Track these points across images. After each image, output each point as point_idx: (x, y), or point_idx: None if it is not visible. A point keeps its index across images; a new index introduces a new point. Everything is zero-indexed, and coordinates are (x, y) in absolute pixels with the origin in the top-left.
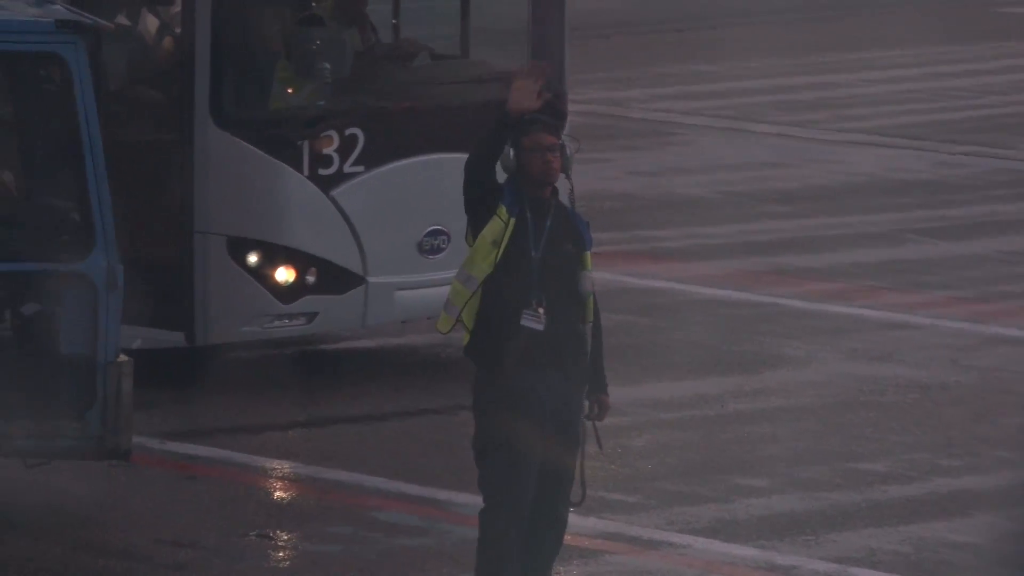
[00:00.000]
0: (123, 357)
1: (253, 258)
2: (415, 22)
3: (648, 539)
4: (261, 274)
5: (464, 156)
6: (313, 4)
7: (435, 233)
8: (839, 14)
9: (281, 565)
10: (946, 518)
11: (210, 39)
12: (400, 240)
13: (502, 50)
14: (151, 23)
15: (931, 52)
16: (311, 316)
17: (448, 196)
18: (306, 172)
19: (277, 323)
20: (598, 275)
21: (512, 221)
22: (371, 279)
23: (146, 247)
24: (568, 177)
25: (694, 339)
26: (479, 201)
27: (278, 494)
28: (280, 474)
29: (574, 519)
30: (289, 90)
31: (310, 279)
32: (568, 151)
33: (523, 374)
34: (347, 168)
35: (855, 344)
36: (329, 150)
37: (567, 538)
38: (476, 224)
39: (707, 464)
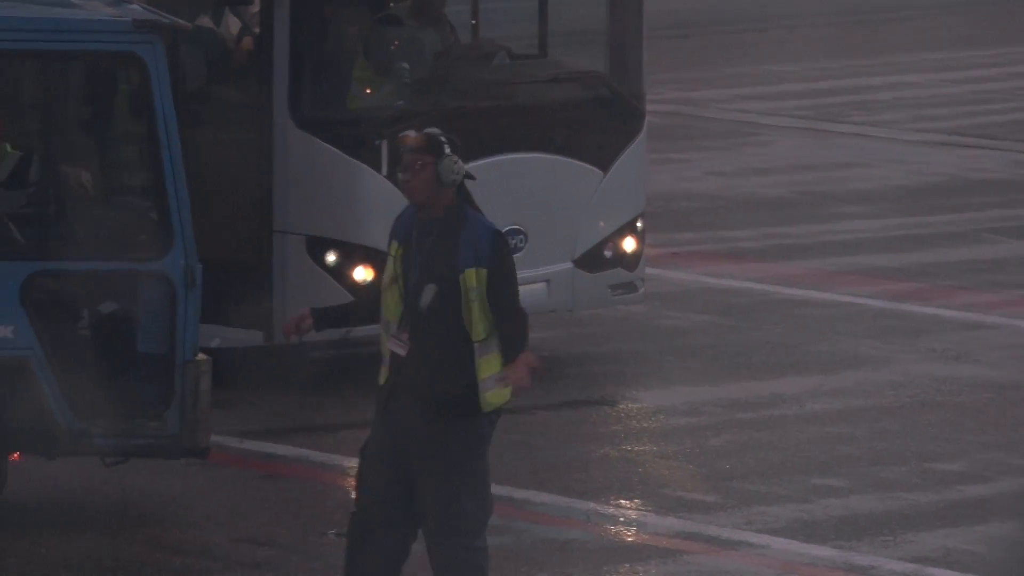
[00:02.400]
0: (201, 356)
1: (331, 257)
2: (494, 22)
3: (726, 539)
4: (339, 273)
5: (542, 156)
6: (391, 4)
7: (512, 232)
8: (917, 14)
9: None
10: (1021, 517)
11: (289, 39)
12: None
13: (580, 50)
14: (231, 23)
15: (1009, 52)
16: None
17: (525, 196)
18: (384, 172)
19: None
20: (679, 275)
21: (400, 249)
22: None
23: (225, 247)
24: (442, 182)
25: (772, 339)
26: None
27: (354, 495)
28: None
29: (652, 519)
30: (367, 90)
31: None
32: (449, 165)
33: (390, 398)
34: None
35: (932, 344)
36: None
37: (645, 537)
38: None
39: (785, 464)
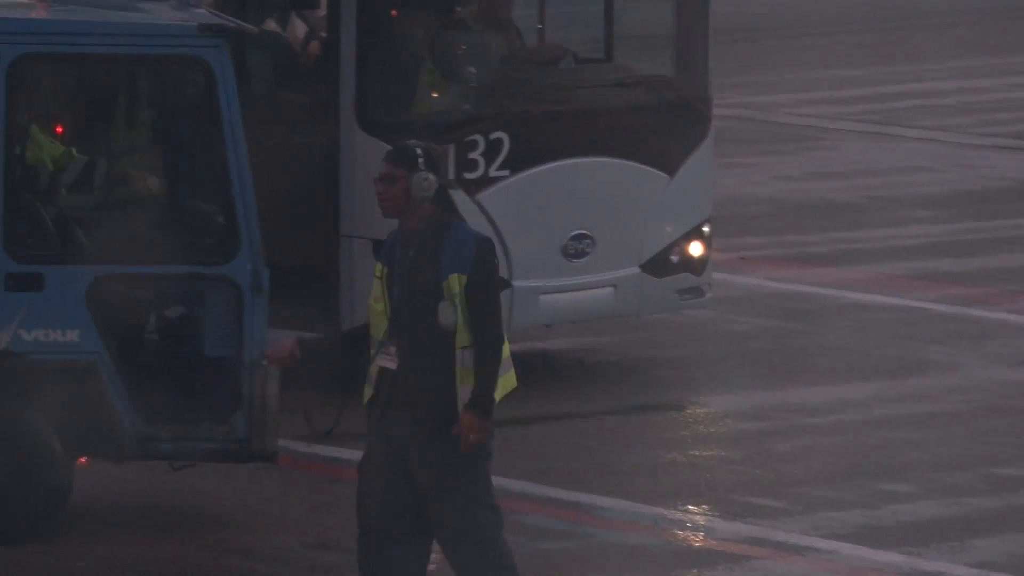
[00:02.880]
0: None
1: None
2: (560, 26)
3: (793, 544)
4: None
5: (609, 160)
6: (458, 9)
7: (579, 237)
8: (984, 18)
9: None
10: None
11: (356, 44)
12: (544, 244)
13: (646, 54)
14: (298, 28)
15: None
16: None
17: (592, 200)
18: (451, 176)
19: None
20: (746, 280)
21: (384, 269)
22: (516, 283)
23: (292, 250)
24: (423, 196)
25: (839, 344)
26: None
27: None
28: None
29: (719, 524)
30: (434, 94)
31: None
32: (422, 180)
33: (383, 413)
34: (492, 172)
35: (999, 349)
36: (475, 154)
37: (712, 542)
38: None
39: (852, 469)
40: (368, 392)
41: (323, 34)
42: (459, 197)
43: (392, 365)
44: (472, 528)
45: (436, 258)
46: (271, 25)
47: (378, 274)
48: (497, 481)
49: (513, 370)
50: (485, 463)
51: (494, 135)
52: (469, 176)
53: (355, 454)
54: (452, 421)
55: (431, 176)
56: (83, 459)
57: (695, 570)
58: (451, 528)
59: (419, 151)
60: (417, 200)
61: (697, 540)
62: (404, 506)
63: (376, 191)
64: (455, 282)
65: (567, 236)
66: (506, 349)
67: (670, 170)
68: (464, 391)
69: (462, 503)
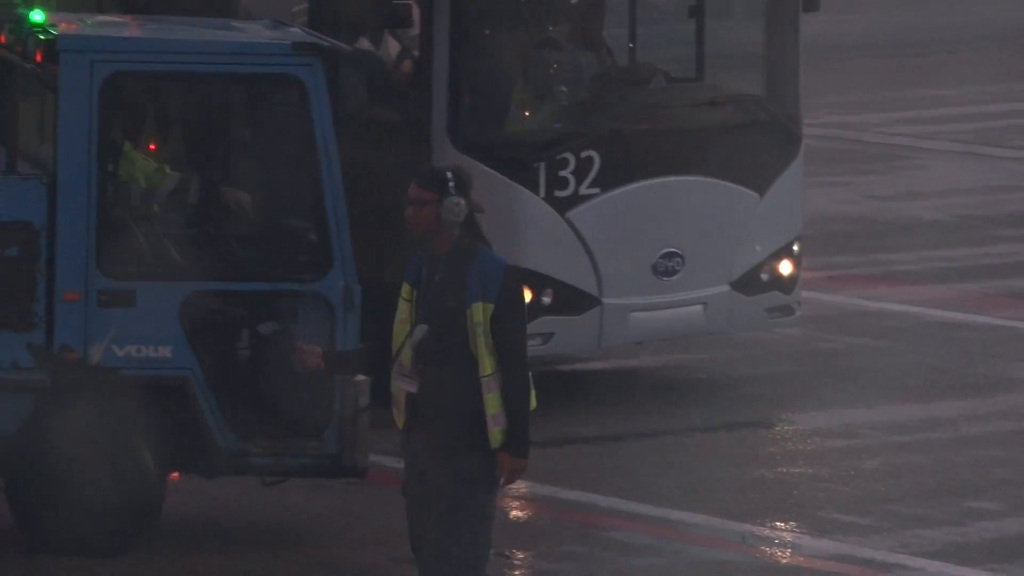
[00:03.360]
0: (360, 376)
1: None
2: (651, 45)
3: (881, 561)
4: None
5: (699, 179)
6: (550, 28)
7: (670, 255)
8: None
9: None
10: None
11: (448, 62)
12: (635, 262)
13: (737, 73)
14: (391, 46)
15: None
16: (547, 336)
17: (683, 218)
18: (542, 194)
19: None
20: (835, 298)
21: (411, 291)
22: (606, 300)
23: (384, 268)
24: (452, 221)
25: (928, 362)
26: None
27: (514, 513)
28: (516, 494)
29: (807, 541)
30: (526, 112)
31: (546, 300)
32: (452, 204)
33: (407, 438)
34: (583, 190)
35: None
36: (566, 172)
37: (800, 559)
38: None
39: (940, 487)
40: (397, 414)
41: (416, 53)
42: (548, 215)
43: (412, 388)
44: (450, 551)
45: (461, 285)
46: (364, 43)
47: (406, 296)
48: (586, 497)
49: (533, 391)
50: (491, 491)
51: (585, 153)
52: (560, 194)
53: None
54: (471, 449)
55: (462, 201)
56: (175, 474)
57: None
58: (432, 549)
59: (449, 175)
60: (447, 225)
61: (784, 557)
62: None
63: (405, 214)
64: (479, 312)
65: (657, 254)
66: None
67: (760, 189)
68: (495, 418)
69: (448, 527)
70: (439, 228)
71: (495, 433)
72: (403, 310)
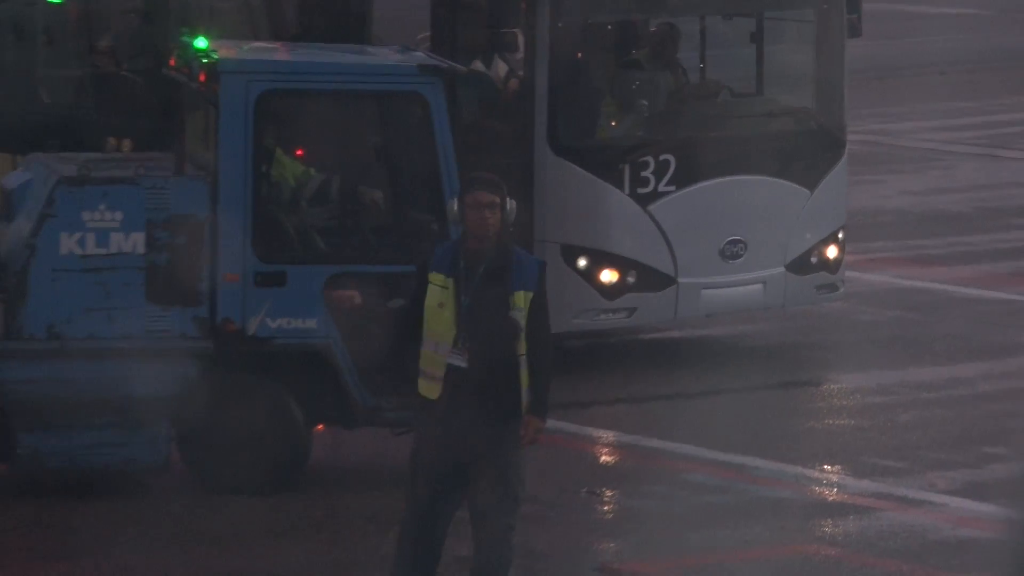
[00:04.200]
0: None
1: (583, 262)
2: (718, 65)
3: (912, 498)
4: (590, 275)
5: (759, 178)
6: (633, 52)
7: (734, 242)
8: None
9: (605, 517)
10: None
11: (548, 81)
12: (705, 247)
13: (791, 89)
14: (500, 67)
15: None
16: (631, 311)
17: (744, 211)
18: (627, 191)
19: (603, 316)
20: (870, 278)
21: (451, 280)
22: (681, 280)
23: None
24: (508, 225)
25: (952, 331)
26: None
27: (604, 458)
28: (605, 442)
29: (850, 481)
30: (612, 123)
31: (630, 280)
32: (510, 207)
33: (449, 407)
34: (661, 187)
35: None
36: (647, 173)
37: (844, 496)
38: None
39: (961, 436)
40: (434, 386)
41: (520, 73)
42: (632, 208)
43: (463, 364)
44: (512, 503)
45: (506, 276)
46: (478, 65)
47: (440, 283)
48: (665, 445)
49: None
50: (524, 460)
51: (663, 156)
52: (641, 191)
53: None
54: (512, 415)
55: (514, 204)
56: (320, 426)
57: (829, 519)
58: (490, 504)
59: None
60: (506, 225)
61: (831, 495)
62: (448, 488)
63: (480, 217)
64: (521, 298)
65: (724, 241)
66: None
67: (811, 186)
68: (526, 391)
69: (510, 483)
70: (500, 228)
71: (523, 401)
72: (438, 296)
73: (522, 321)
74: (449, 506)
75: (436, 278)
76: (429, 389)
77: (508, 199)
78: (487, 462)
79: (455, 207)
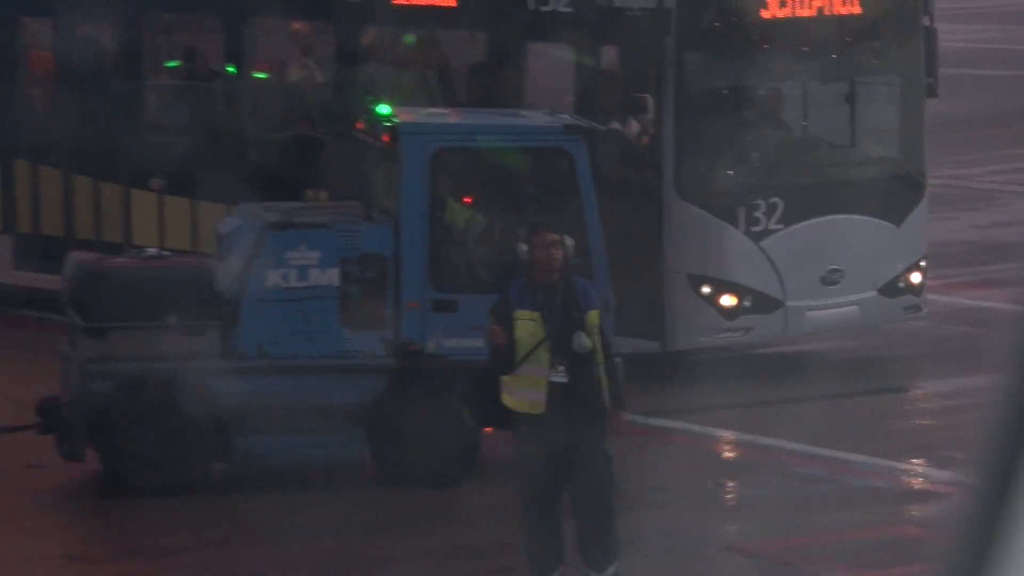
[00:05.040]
0: (618, 358)
1: (706, 289)
2: (817, 121)
3: None
4: (712, 300)
5: (854, 216)
6: (745, 112)
7: (833, 270)
8: None
9: (729, 504)
10: None
11: (674, 137)
12: (808, 275)
13: (879, 141)
14: (633, 126)
15: None
16: (747, 330)
17: (841, 244)
18: (742, 229)
19: (723, 335)
20: (947, 299)
21: (534, 313)
22: (789, 303)
23: (633, 283)
24: (567, 260)
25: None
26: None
27: (725, 454)
28: (727, 440)
29: (933, 472)
30: (729, 172)
31: (746, 303)
32: (569, 243)
33: (553, 417)
34: (771, 225)
35: None
36: (759, 214)
37: (929, 485)
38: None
39: None
40: (538, 403)
41: (650, 131)
42: (747, 243)
43: (564, 379)
44: (608, 486)
45: (576, 301)
46: (614, 125)
47: (528, 317)
48: (777, 442)
49: None
50: (608, 447)
51: (772, 199)
52: (754, 229)
53: (677, 424)
54: (600, 414)
55: (572, 241)
56: (489, 428)
57: (917, 504)
58: (596, 485)
59: None
60: (568, 259)
61: (917, 483)
62: (554, 479)
63: (547, 254)
64: (594, 316)
65: (824, 269)
66: None
67: (897, 222)
68: (605, 393)
69: (606, 469)
70: (564, 262)
71: (606, 401)
72: (527, 328)
73: (596, 336)
74: (560, 493)
75: (522, 314)
76: (533, 406)
77: (565, 237)
78: (583, 454)
79: (523, 248)
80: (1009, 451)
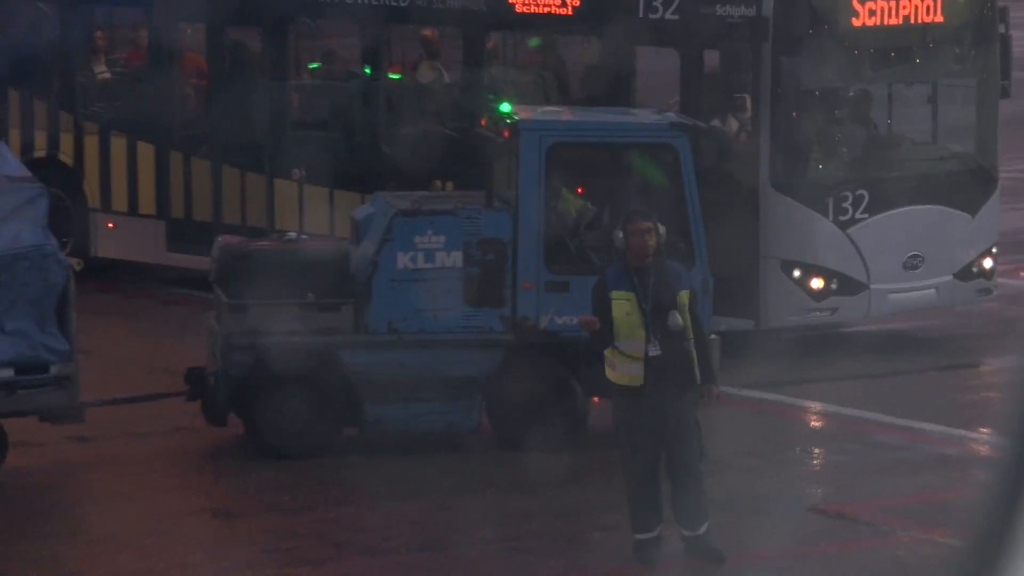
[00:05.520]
0: (714, 336)
1: (797, 272)
2: (902, 120)
3: None
4: (802, 283)
5: (933, 207)
6: (835, 112)
7: (914, 256)
8: None
9: (813, 468)
10: None
11: (769, 134)
12: (891, 260)
13: (958, 138)
14: (732, 124)
15: None
16: (834, 310)
17: (921, 232)
18: (831, 217)
19: (812, 314)
20: (1015, 283)
21: (629, 293)
22: (873, 286)
23: (730, 266)
24: (661, 246)
25: None
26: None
27: (812, 423)
28: (813, 411)
29: (996, 439)
30: (820, 166)
31: (833, 286)
32: (661, 231)
33: (651, 387)
34: (857, 215)
35: None
36: (846, 204)
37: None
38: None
39: None
40: (637, 375)
41: (748, 129)
42: (835, 231)
43: (659, 352)
44: (697, 451)
45: (668, 282)
46: (715, 123)
47: (624, 297)
48: (858, 413)
49: None
50: (696, 417)
51: (858, 191)
52: (842, 218)
53: (767, 395)
54: (690, 386)
55: (664, 228)
56: (595, 398)
57: (983, 470)
58: (686, 451)
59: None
60: (661, 244)
61: (984, 451)
62: (656, 448)
63: (642, 241)
64: (684, 296)
65: (905, 255)
66: None
67: (972, 212)
68: (695, 367)
69: (693, 436)
70: (657, 247)
71: (697, 374)
72: (625, 307)
73: (686, 314)
74: (658, 458)
75: (619, 294)
76: (633, 379)
77: (658, 224)
78: (675, 423)
79: (619, 236)
80: None
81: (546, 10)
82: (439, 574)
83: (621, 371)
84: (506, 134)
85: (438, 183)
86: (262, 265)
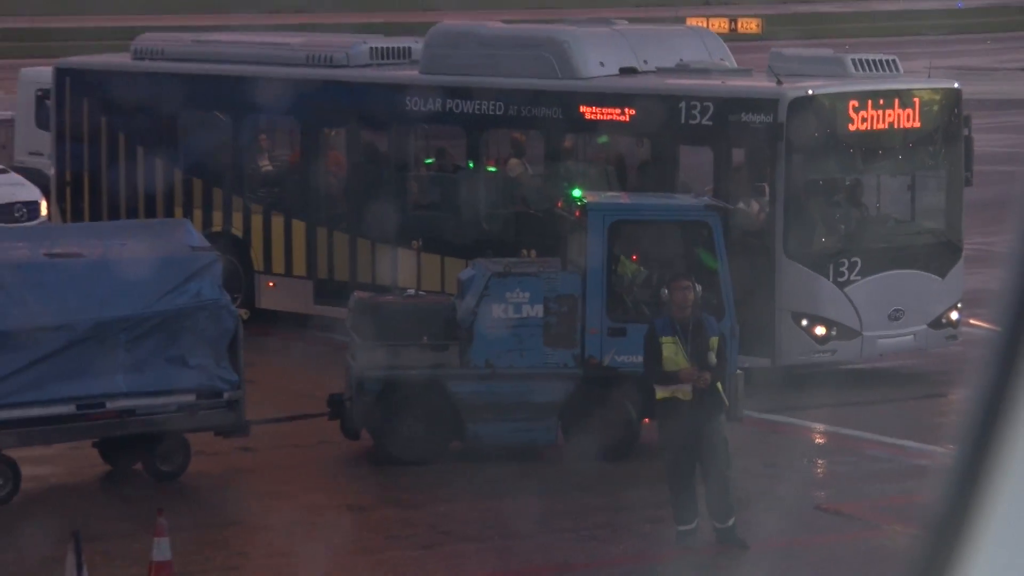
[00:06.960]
0: (739, 371)
1: (804, 322)
2: (887, 203)
3: None
4: (808, 330)
5: (911, 271)
6: (835, 197)
7: (897, 310)
8: None
9: (818, 475)
10: None
11: (783, 214)
12: (879, 312)
13: (930, 217)
14: (754, 206)
15: None
16: (834, 351)
17: (903, 291)
18: (831, 279)
19: (816, 355)
20: (976, 331)
21: (675, 339)
22: (865, 333)
23: (752, 317)
24: (698, 301)
25: None
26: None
27: (816, 440)
28: (817, 430)
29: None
30: (823, 239)
31: (833, 332)
32: (698, 289)
33: (691, 410)
34: (852, 277)
35: None
36: (843, 268)
37: None
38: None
39: None
40: (687, 392)
41: (766, 210)
42: (835, 290)
43: (704, 385)
44: (725, 461)
45: (703, 329)
46: (740, 204)
47: (671, 341)
48: (853, 432)
49: None
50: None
51: (853, 259)
52: (840, 279)
53: (783, 418)
54: (720, 409)
55: (700, 287)
56: (646, 419)
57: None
58: (718, 463)
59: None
60: (698, 299)
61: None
62: (691, 459)
63: (683, 296)
64: (715, 342)
65: (891, 309)
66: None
67: (942, 275)
68: (724, 397)
69: (727, 450)
70: (693, 301)
71: (725, 400)
72: (671, 349)
73: (713, 351)
74: (694, 466)
75: (667, 340)
76: (684, 394)
77: (695, 284)
78: (708, 437)
79: (665, 293)
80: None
81: (609, 117)
82: (525, 557)
83: (674, 393)
84: (577, 214)
85: (524, 252)
86: (388, 315)
